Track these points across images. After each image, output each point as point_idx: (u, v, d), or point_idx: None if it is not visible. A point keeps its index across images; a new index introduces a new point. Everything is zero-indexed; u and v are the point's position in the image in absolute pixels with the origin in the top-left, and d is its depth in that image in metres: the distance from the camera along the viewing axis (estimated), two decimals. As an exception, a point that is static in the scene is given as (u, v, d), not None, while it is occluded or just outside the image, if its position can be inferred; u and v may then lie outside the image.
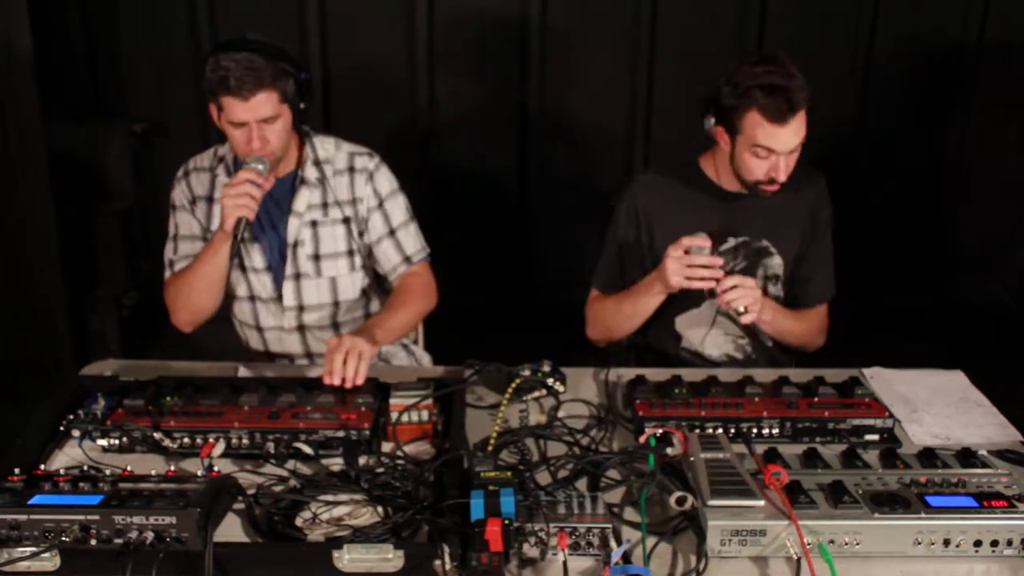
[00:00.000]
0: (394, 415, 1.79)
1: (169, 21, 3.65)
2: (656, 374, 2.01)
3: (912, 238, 3.89)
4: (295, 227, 2.18)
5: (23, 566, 1.39)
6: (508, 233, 3.82)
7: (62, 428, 1.75)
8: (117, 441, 1.73)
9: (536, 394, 1.96)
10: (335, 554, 1.37)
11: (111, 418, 1.74)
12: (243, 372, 2.07)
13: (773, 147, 1.99)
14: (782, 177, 2.02)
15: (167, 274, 2.22)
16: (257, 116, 1.98)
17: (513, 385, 1.91)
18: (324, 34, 3.64)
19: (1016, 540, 1.44)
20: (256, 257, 2.20)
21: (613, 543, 1.43)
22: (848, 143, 3.74)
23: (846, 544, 1.44)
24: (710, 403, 1.83)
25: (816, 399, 1.86)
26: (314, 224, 2.20)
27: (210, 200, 2.20)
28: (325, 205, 2.20)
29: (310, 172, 2.19)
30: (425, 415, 1.80)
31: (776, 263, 2.24)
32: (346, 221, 2.21)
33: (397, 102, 3.71)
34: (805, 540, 1.41)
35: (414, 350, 2.46)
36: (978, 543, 1.44)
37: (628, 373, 2.04)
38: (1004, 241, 3.91)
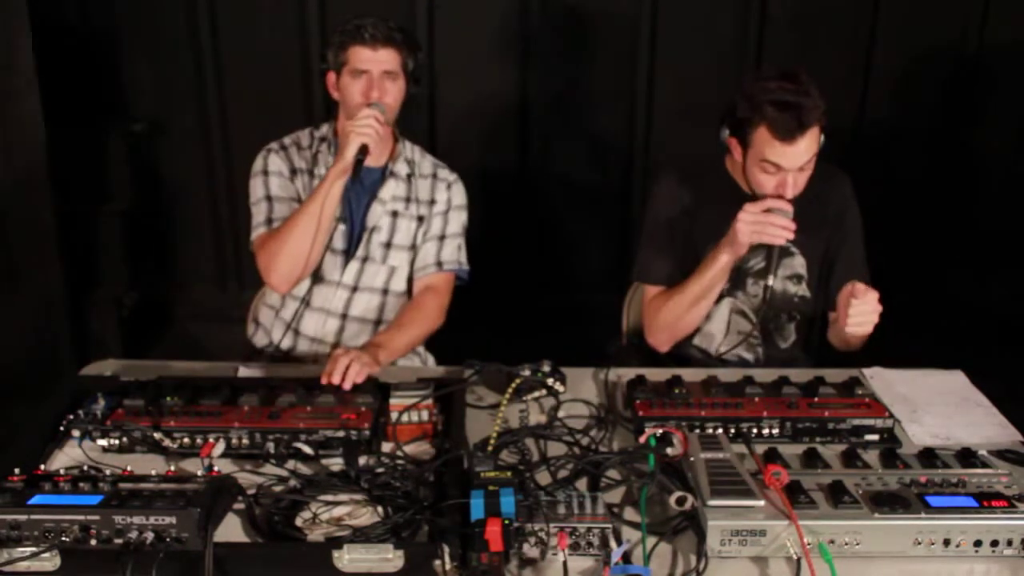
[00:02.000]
0: (394, 415, 1.79)
1: (169, 21, 3.65)
2: (656, 374, 2.01)
3: (912, 238, 3.88)
4: (377, 213, 2.27)
5: (23, 566, 1.39)
6: (509, 232, 3.82)
7: (62, 428, 1.75)
8: (117, 441, 1.73)
9: (536, 394, 1.97)
10: (335, 554, 1.38)
11: (111, 418, 1.74)
12: (243, 372, 2.07)
13: (781, 164, 1.98)
14: (789, 194, 1.99)
15: (262, 232, 2.22)
16: (382, 67, 2.12)
17: (513, 385, 1.91)
18: (324, 34, 3.63)
19: (1016, 540, 1.44)
20: (337, 239, 2.25)
21: (613, 543, 1.43)
22: (848, 143, 3.74)
23: (846, 544, 1.44)
24: (710, 403, 1.83)
25: (816, 399, 1.86)
26: (395, 214, 2.29)
27: (312, 175, 2.26)
28: (407, 199, 2.30)
29: (401, 167, 2.30)
30: (425, 415, 1.80)
31: (798, 263, 2.24)
32: (420, 219, 2.31)
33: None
34: (805, 540, 1.41)
35: (419, 351, 2.46)
36: (978, 543, 1.44)
37: (628, 373, 2.04)
38: (1005, 241, 3.91)
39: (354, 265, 2.28)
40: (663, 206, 2.26)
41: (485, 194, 3.89)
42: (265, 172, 2.26)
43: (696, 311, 2.19)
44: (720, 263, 2.08)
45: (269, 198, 2.24)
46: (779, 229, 1.97)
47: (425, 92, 3.70)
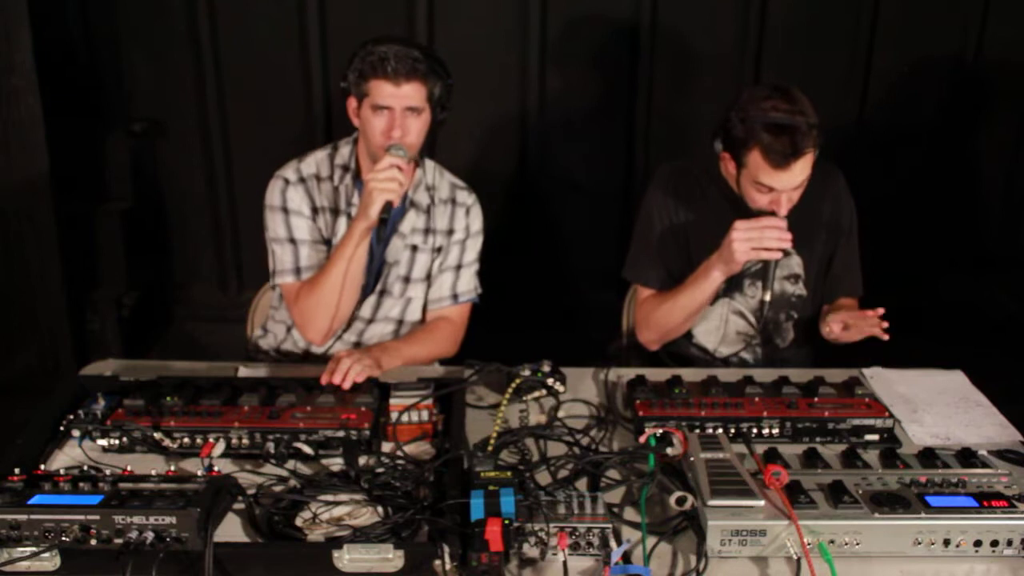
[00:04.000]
0: (394, 415, 1.79)
1: (169, 21, 3.64)
2: (656, 374, 2.01)
3: (912, 238, 3.88)
4: (396, 248, 2.21)
5: (23, 566, 1.39)
6: (509, 233, 3.81)
7: (62, 428, 1.75)
8: (117, 441, 1.73)
9: (536, 394, 1.97)
10: (335, 554, 1.38)
11: (111, 418, 1.74)
12: (243, 372, 2.07)
13: (775, 186, 1.98)
14: (783, 212, 2.00)
15: (290, 281, 2.17)
16: (405, 104, 2.00)
17: (513, 385, 1.91)
18: (324, 35, 3.63)
19: (1016, 540, 1.44)
20: None
21: (613, 543, 1.43)
22: (848, 143, 3.74)
23: (846, 544, 1.44)
24: (710, 403, 1.83)
25: (816, 399, 1.86)
26: (414, 248, 2.23)
27: (336, 212, 2.18)
28: (427, 231, 2.24)
29: (421, 196, 2.22)
30: (425, 415, 1.80)
31: (795, 263, 2.24)
32: (438, 250, 2.25)
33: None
34: (805, 540, 1.41)
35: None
36: (978, 543, 1.45)
37: (628, 373, 2.05)
38: (1004, 241, 3.91)
39: (372, 299, 2.24)
40: (656, 211, 2.26)
41: (485, 195, 3.89)
42: (285, 209, 2.16)
43: (687, 320, 2.21)
44: (713, 279, 2.09)
45: (293, 241, 2.17)
46: (775, 242, 1.97)
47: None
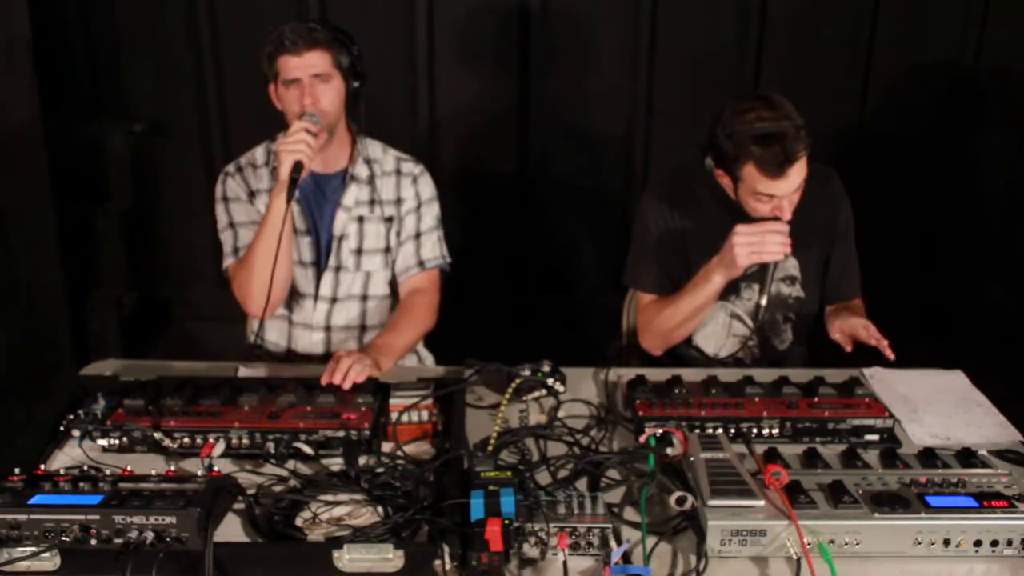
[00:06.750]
0: (394, 415, 1.79)
1: (169, 21, 3.65)
2: (656, 374, 2.01)
3: (912, 238, 3.89)
4: (342, 221, 2.24)
5: (23, 566, 1.39)
6: (509, 233, 3.82)
7: (62, 428, 1.75)
8: (117, 441, 1.73)
9: (536, 394, 1.97)
10: (335, 554, 1.38)
11: (111, 418, 1.74)
12: (243, 372, 2.07)
13: (775, 194, 1.97)
14: (787, 216, 1.99)
15: (230, 262, 2.22)
16: (310, 72, 2.07)
17: (513, 385, 1.91)
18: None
19: (1016, 540, 1.44)
20: (305, 251, 2.24)
21: (613, 543, 1.43)
22: (848, 144, 3.74)
23: (846, 544, 1.44)
24: (710, 403, 1.83)
25: (816, 399, 1.86)
26: (361, 220, 2.26)
27: (271, 192, 2.21)
28: (372, 202, 2.27)
29: (360, 169, 2.25)
30: (425, 415, 1.80)
31: (791, 264, 2.24)
32: (389, 220, 2.27)
33: (397, 103, 3.70)
34: (805, 540, 1.41)
35: (418, 350, 2.46)
36: (978, 543, 1.45)
37: (628, 373, 2.04)
38: (1004, 242, 3.91)
39: (328, 276, 2.26)
40: (652, 216, 2.25)
41: (486, 195, 3.90)
42: (225, 199, 2.25)
43: (688, 325, 2.20)
44: (714, 284, 2.09)
45: (232, 225, 2.23)
46: (776, 246, 1.98)
47: (426, 95, 3.71)
